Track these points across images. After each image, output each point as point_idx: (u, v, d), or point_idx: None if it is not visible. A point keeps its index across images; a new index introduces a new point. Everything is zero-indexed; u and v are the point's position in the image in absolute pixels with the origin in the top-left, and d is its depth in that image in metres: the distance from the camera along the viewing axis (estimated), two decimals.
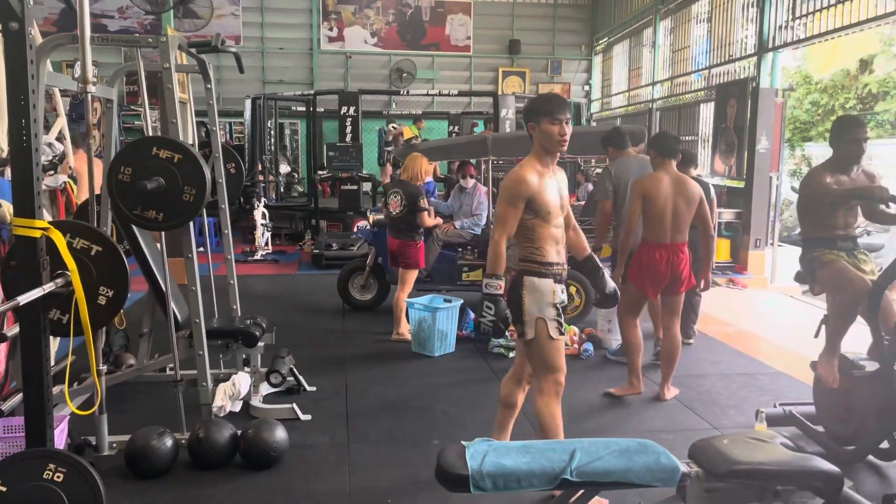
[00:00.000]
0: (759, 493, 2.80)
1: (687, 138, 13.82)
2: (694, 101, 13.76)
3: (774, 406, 5.19)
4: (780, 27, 10.95)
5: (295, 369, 5.87)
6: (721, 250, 11.10)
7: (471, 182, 8.29)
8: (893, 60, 22.81)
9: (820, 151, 21.86)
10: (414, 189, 6.83)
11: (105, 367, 4.33)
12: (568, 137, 3.62)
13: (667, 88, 15.29)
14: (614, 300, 3.97)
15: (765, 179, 11.23)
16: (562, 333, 3.73)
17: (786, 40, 10.93)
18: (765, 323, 8.59)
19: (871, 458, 4.64)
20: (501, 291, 3.54)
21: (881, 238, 12.61)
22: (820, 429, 4.82)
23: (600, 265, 3.99)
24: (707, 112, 13.16)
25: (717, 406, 5.71)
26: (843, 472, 2.93)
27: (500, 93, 16.60)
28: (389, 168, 13.98)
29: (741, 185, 11.50)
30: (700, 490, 2.76)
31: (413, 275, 6.97)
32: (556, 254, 3.73)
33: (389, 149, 14.32)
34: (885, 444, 4.47)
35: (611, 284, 3.96)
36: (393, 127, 16.49)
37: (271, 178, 15.06)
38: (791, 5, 10.82)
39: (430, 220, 6.90)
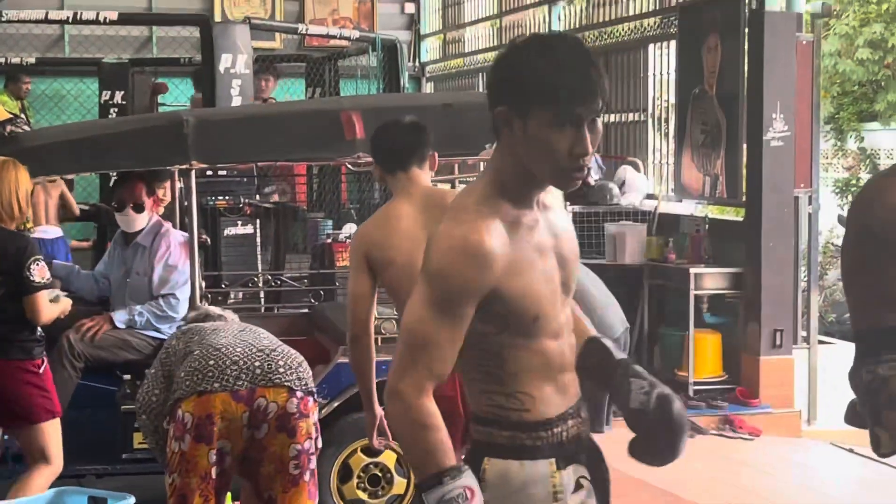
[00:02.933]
0: None
1: (612, 119, 9.43)
2: (635, 36, 9.30)
3: None
4: None
5: None
6: (704, 356, 7.56)
7: (143, 219, 5.71)
8: None
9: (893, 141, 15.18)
10: (17, 241, 4.77)
11: None
12: (589, 160, 2.16)
13: (580, 9, 10.46)
14: (672, 432, 2.31)
15: (785, 203, 7.50)
16: None
17: None
18: None
19: None
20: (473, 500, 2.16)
21: None
22: None
23: (615, 350, 2.49)
24: (662, 59, 8.92)
25: None
26: None
27: (218, 17, 11.44)
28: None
29: (737, 215, 7.90)
30: None
31: (50, 436, 4.84)
32: (557, 396, 2.27)
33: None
34: None
35: (655, 395, 2.34)
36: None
37: None
38: None
39: (51, 307, 4.85)
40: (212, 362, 3.99)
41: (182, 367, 4.11)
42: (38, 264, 4.72)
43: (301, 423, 4.08)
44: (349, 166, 6.37)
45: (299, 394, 4.03)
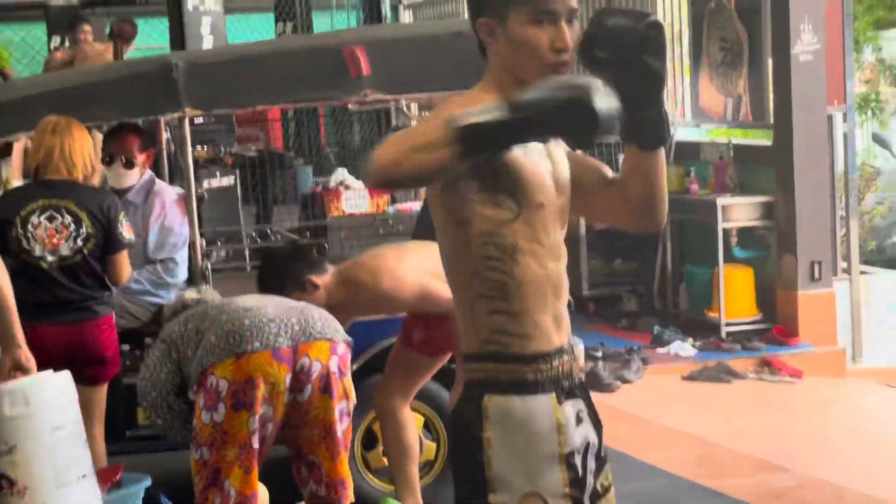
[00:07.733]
0: None
1: None
2: None
3: None
4: None
5: None
6: (736, 294, 7.38)
7: (134, 175, 5.57)
8: None
9: None
10: (107, 198, 4.94)
11: None
12: (569, 53, 2.36)
13: None
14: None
15: (817, 122, 7.38)
16: None
17: None
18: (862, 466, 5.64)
19: None
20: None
21: None
22: None
23: None
24: None
25: None
26: None
27: None
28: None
29: (765, 139, 7.74)
30: None
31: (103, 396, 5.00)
32: (553, 327, 2.40)
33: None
34: None
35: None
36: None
37: None
38: None
39: (129, 267, 5.03)
40: (247, 321, 3.93)
41: (211, 332, 4.04)
42: (126, 221, 4.82)
43: (342, 381, 4.12)
44: (352, 106, 6.23)
45: (341, 345, 4.06)
